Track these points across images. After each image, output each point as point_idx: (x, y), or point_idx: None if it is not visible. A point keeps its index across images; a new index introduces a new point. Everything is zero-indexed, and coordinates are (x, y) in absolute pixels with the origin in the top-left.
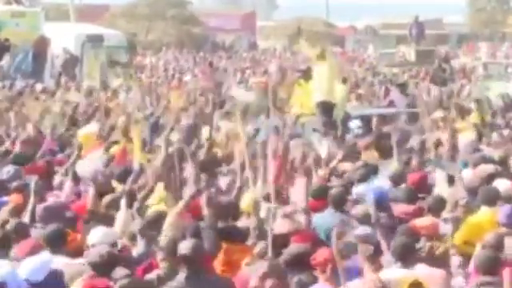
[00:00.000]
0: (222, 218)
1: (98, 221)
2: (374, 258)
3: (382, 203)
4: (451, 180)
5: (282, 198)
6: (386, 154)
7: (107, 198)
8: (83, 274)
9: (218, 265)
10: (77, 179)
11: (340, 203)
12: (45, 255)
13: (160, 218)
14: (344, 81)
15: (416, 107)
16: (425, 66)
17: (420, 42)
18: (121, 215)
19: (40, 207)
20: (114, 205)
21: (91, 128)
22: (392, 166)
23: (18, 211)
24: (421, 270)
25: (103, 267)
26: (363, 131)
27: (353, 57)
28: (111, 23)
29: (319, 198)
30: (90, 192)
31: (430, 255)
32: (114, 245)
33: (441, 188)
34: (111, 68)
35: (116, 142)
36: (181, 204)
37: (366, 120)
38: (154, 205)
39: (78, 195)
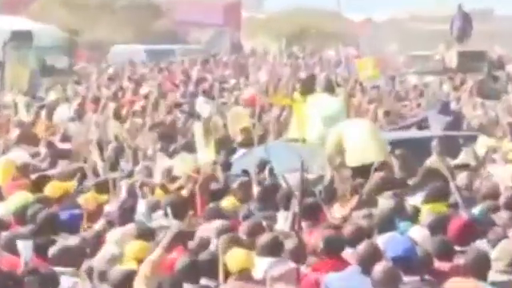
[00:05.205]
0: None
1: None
2: None
3: (409, 262)
4: None
5: None
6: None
7: None
8: None
9: None
10: None
11: (371, 263)
12: None
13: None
14: None
15: (460, 130)
16: (470, 74)
17: (464, 41)
18: None
19: None
20: None
21: (15, 156)
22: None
23: None
24: None
25: None
26: None
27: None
28: (44, 14)
29: (334, 252)
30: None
31: None
32: None
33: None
34: (45, 77)
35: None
36: (156, 253)
37: None
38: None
39: None
